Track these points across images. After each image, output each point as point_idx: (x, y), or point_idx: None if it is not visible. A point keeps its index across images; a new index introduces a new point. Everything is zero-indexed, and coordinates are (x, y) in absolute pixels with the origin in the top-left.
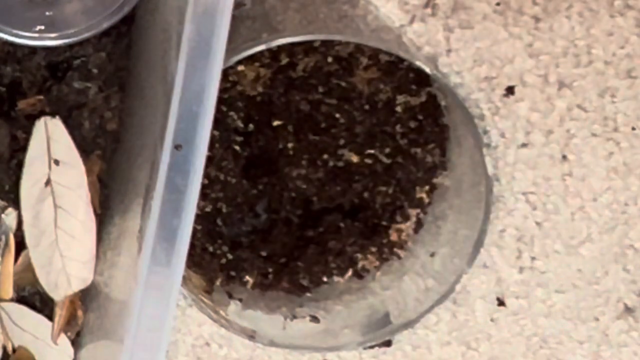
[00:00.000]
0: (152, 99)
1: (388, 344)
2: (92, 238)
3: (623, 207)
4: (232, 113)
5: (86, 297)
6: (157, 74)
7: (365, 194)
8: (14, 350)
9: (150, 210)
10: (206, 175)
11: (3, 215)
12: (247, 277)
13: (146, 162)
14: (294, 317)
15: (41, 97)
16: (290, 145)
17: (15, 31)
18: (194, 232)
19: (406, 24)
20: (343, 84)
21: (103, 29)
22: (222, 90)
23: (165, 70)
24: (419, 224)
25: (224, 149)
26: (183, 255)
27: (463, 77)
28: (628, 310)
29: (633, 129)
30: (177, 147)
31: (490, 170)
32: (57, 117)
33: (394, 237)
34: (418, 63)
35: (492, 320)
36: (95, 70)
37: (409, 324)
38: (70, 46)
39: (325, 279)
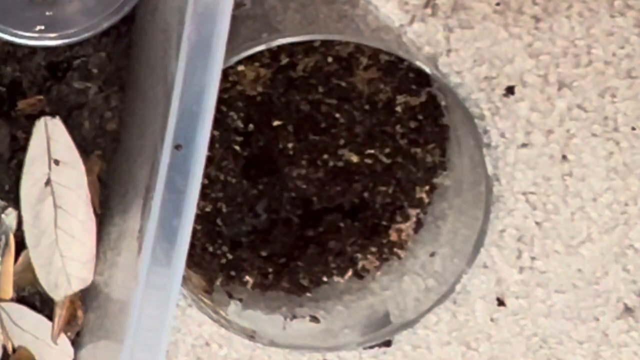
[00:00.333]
0: (152, 99)
1: (388, 344)
2: (92, 238)
3: (623, 207)
4: (232, 113)
5: (86, 297)
6: (157, 74)
7: (365, 194)
8: (14, 350)
9: (150, 210)
10: (206, 175)
11: (3, 215)
12: (247, 277)
13: (146, 162)
14: (294, 317)
15: (41, 97)
16: (290, 145)
17: (15, 31)
18: (194, 232)
19: (406, 24)
20: (343, 84)
21: (103, 29)
22: (222, 90)
23: (165, 70)
24: (419, 224)
25: (224, 149)
26: (183, 255)
27: (463, 77)
28: (628, 310)
29: (633, 129)
30: (177, 147)
31: (490, 170)
32: (57, 117)
33: (394, 237)
34: (418, 63)
35: (492, 320)
36: (95, 70)
37: (409, 324)
38: (70, 46)
39: (325, 279)
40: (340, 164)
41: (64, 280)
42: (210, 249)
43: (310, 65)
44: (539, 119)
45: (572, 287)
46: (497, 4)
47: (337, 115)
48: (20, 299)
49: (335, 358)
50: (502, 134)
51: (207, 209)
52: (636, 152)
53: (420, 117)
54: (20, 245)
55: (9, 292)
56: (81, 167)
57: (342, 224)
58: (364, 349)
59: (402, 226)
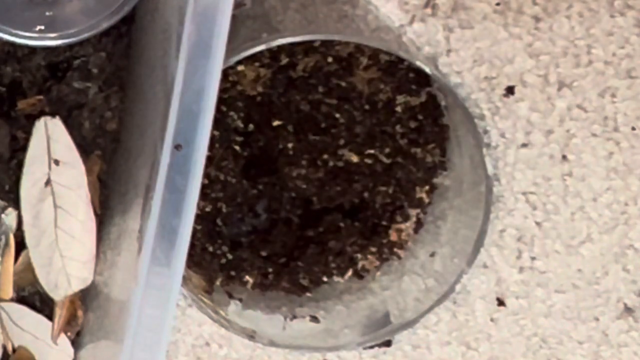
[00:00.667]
0: (152, 99)
1: (388, 344)
2: (92, 238)
3: (623, 207)
4: (232, 113)
5: (86, 297)
6: (157, 74)
7: (365, 194)
8: (14, 350)
9: (150, 210)
10: (206, 175)
11: (3, 215)
12: (247, 277)
13: (146, 162)
14: (294, 317)
15: (41, 97)
16: (290, 145)
17: (15, 31)
18: (194, 232)
19: (406, 24)
20: (343, 84)
21: (103, 29)
22: (222, 90)
23: (165, 70)
24: (419, 224)
25: (224, 149)
26: (183, 255)
27: (463, 77)
28: (628, 310)
29: (633, 129)
30: (177, 147)
31: (490, 170)
32: (57, 117)
33: (394, 237)
34: (418, 63)
35: (492, 320)
36: (95, 70)
37: (409, 324)
38: (70, 46)
39: (325, 279)
40: (340, 164)
41: (64, 280)
42: (210, 249)
43: (310, 65)
44: (539, 119)
45: (572, 287)
46: (497, 4)
47: (337, 115)
48: (20, 299)
49: (335, 358)
50: (502, 134)
51: (207, 209)
52: (636, 152)
53: (420, 117)
54: (20, 245)
55: (9, 292)
56: (81, 167)
57: (342, 224)
58: (364, 349)
59: (402, 226)
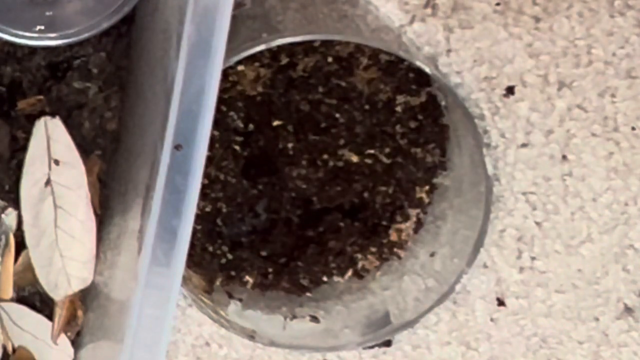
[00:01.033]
0: (152, 99)
1: (388, 344)
2: (92, 238)
3: (623, 207)
4: (232, 113)
5: (86, 297)
6: (157, 74)
7: (365, 194)
8: (14, 350)
9: (150, 210)
10: (206, 175)
11: (3, 215)
12: (247, 277)
13: (146, 162)
14: (294, 317)
15: (41, 97)
16: (290, 145)
17: (15, 31)
18: (194, 232)
19: (406, 24)
20: (343, 84)
21: (103, 29)
22: (222, 90)
23: (165, 70)
24: (419, 224)
25: (224, 149)
26: (183, 255)
27: (463, 77)
28: (628, 310)
29: (633, 129)
30: (177, 147)
31: (490, 170)
32: (57, 117)
33: (394, 237)
34: (418, 63)
35: (492, 320)
36: (95, 70)
37: (409, 324)
38: (70, 46)
39: (325, 279)
40: (340, 164)
41: (64, 280)
42: (210, 249)
43: (310, 65)
44: (539, 119)
45: (572, 287)
46: (497, 4)
47: (337, 115)
48: (20, 299)
49: (335, 358)
50: (502, 134)
51: (207, 209)
52: (636, 152)
53: (420, 117)
54: (20, 245)
55: (9, 292)
56: (81, 167)
57: (342, 224)
58: (364, 349)
59: (402, 226)
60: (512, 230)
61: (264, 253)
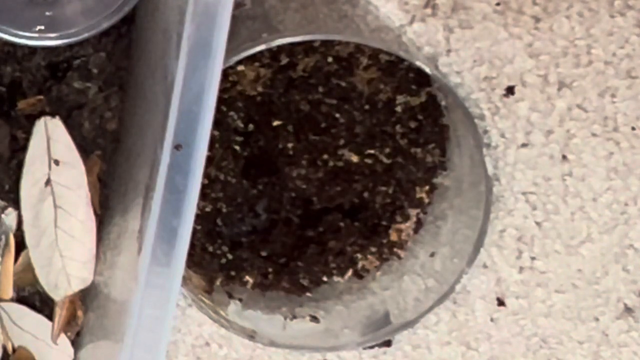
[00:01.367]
0: (152, 99)
1: (388, 344)
2: (92, 238)
3: (623, 207)
4: (232, 113)
5: (86, 297)
6: (157, 74)
7: (365, 194)
8: (14, 350)
9: (150, 210)
10: (206, 175)
11: (3, 215)
12: (247, 277)
13: (146, 162)
14: (294, 317)
15: (41, 97)
16: (290, 145)
17: (15, 31)
18: (194, 232)
19: (406, 24)
20: (343, 84)
21: (103, 29)
22: (222, 90)
23: (165, 70)
24: (419, 224)
25: (224, 149)
26: (183, 255)
27: (463, 77)
28: (628, 310)
29: (633, 129)
30: (177, 147)
31: (490, 170)
32: (57, 117)
33: (394, 237)
34: (418, 63)
35: (492, 320)
36: (95, 70)
37: (409, 324)
38: (70, 46)
39: (325, 279)
40: (340, 164)
41: (64, 280)
42: (210, 249)
43: (310, 65)
44: (539, 119)
45: (572, 287)
46: (497, 4)
47: (337, 115)
48: (20, 299)
49: (335, 358)
50: (502, 134)
51: (207, 209)
52: (636, 152)
53: (420, 117)
54: (20, 245)
55: (9, 292)
56: (81, 167)
57: (342, 224)
58: (364, 349)
59: (402, 226)
60: (512, 230)
61: (264, 253)
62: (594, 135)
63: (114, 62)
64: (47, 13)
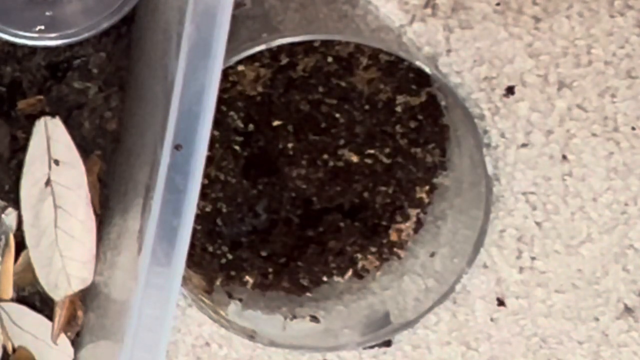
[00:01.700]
0: (152, 99)
1: (388, 344)
2: (92, 238)
3: (623, 207)
4: (232, 113)
5: (86, 297)
6: (157, 74)
7: (365, 194)
8: (14, 350)
9: (150, 210)
10: (206, 175)
11: (3, 215)
12: (247, 277)
13: (146, 162)
14: (294, 317)
15: (41, 97)
16: (290, 145)
17: (15, 31)
18: (194, 232)
19: (406, 24)
20: (343, 84)
21: (103, 29)
22: (222, 90)
23: (165, 70)
24: (419, 224)
25: (224, 149)
26: (183, 255)
27: (463, 77)
28: (628, 310)
29: (633, 129)
30: (177, 147)
31: (490, 170)
32: (57, 117)
33: (394, 237)
34: (418, 63)
35: (492, 320)
36: (95, 70)
37: (409, 324)
38: (70, 46)
39: (325, 279)
40: (340, 164)
41: (64, 280)
42: (210, 249)
43: (310, 65)
44: (539, 119)
45: (572, 287)
46: (497, 4)
47: (337, 115)
48: (20, 299)
49: (335, 358)
50: (502, 134)
51: (207, 209)
52: (636, 152)
53: (420, 117)
54: (20, 245)
55: (9, 292)
56: (81, 167)
57: (342, 224)
58: (364, 349)
59: (402, 226)
60: (512, 230)
61: (264, 253)
62: (594, 135)
63: (114, 62)
64: (47, 13)
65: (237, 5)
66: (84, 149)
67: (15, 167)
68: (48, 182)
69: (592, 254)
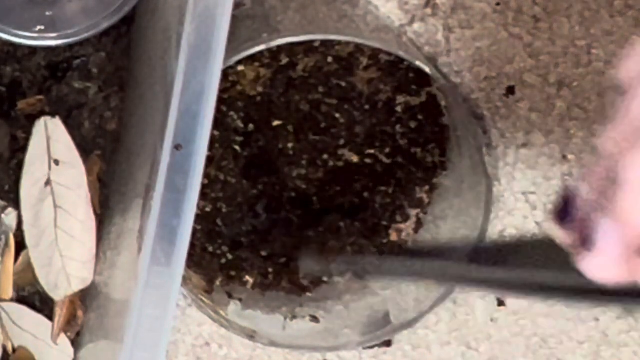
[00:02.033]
0: (152, 99)
1: (388, 344)
2: (92, 238)
3: None
4: (232, 113)
5: (86, 297)
6: (157, 74)
7: (365, 194)
8: (14, 350)
9: (150, 210)
10: (206, 175)
11: (3, 215)
12: (247, 277)
13: (146, 162)
14: (294, 317)
15: (41, 97)
16: (290, 145)
17: (15, 31)
18: (194, 232)
19: (406, 24)
20: (343, 84)
21: (103, 29)
22: (222, 90)
23: (165, 70)
24: (419, 224)
25: (224, 149)
26: (183, 255)
27: (463, 77)
28: (628, 310)
29: None
30: (177, 147)
31: (490, 170)
32: (57, 117)
33: (394, 237)
34: (418, 63)
35: (492, 320)
36: (95, 70)
37: (409, 324)
38: (70, 46)
39: (325, 279)
40: (340, 164)
41: (64, 280)
42: (210, 249)
43: (310, 65)
44: (539, 119)
45: None
46: (497, 4)
47: (337, 115)
48: (20, 299)
49: (335, 358)
50: (502, 134)
51: (207, 209)
52: None
53: (420, 117)
54: (20, 245)
55: (9, 292)
56: (81, 167)
57: (342, 224)
58: (364, 349)
59: (402, 226)
60: (512, 230)
61: (264, 253)
62: (594, 135)
63: (114, 62)
64: (47, 13)
65: (237, 5)
66: (84, 149)
67: (15, 167)
68: (48, 182)
69: None
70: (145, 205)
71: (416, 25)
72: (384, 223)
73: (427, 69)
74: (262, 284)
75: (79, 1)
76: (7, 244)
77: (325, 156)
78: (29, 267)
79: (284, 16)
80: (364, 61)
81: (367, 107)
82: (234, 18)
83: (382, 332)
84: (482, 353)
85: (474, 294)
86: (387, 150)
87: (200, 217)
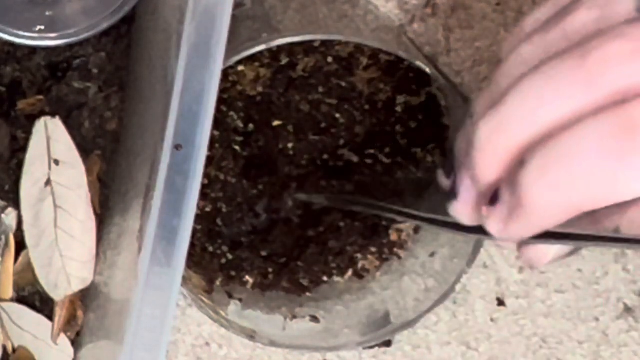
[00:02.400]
0: (152, 99)
1: (388, 344)
2: (92, 238)
3: None
4: (232, 113)
5: (86, 297)
6: (157, 74)
7: None
8: (14, 350)
9: (150, 210)
10: (206, 175)
11: (3, 215)
12: (247, 277)
13: (146, 162)
14: (294, 317)
15: (41, 97)
16: (290, 145)
17: (15, 31)
18: (194, 232)
19: (406, 24)
20: (343, 84)
21: (103, 29)
22: (222, 90)
23: (165, 70)
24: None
25: (224, 149)
26: (183, 255)
27: (463, 77)
28: (628, 310)
29: None
30: (177, 147)
31: None
32: (57, 117)
33: (394, 237)
34: (418, 63)
35: (492, 320)
36: (95, 70)
37: (409, 324)
38: (70, 46)
39: (325, 279)
40: (340, 164)
41: (64, 280)
42: (210, 249)
43: (310, 65)
44: None
45: (572, 287)
46: (497, 4)
47: (337, 115)
48: (20, 299)
49: (335, 358)
50: None
51: (207, 209)
52: None
53: (420, 117)
54: (20, 245)
55: (9, 292)
56: (81, 167)
57: (342, 224)
58: (364, 349)
59: (402, 226)
60: None
61: (264, 253)
62: None
63: (114, 62)
64: (47, 13)
65: (237, 5)
66: (84, 149)
67: (15, 167)
68: (48, 182)
69: (592, 254)
70: (145, 205)
71: (416, 25)
72: (384, 223)
73: (427, 69)
74: (262, 284)
75: (79, 1)
76: (7, 244)
77: (325, 156)
78: (29, 267)
79: (284, 16)
80: (364, 61)
81: (367, 107)
82: (234, 18)
83: (382, 332)
84: (482, 353)
85: (474, 293)
86: (387, 150)
87: (200, 217)
